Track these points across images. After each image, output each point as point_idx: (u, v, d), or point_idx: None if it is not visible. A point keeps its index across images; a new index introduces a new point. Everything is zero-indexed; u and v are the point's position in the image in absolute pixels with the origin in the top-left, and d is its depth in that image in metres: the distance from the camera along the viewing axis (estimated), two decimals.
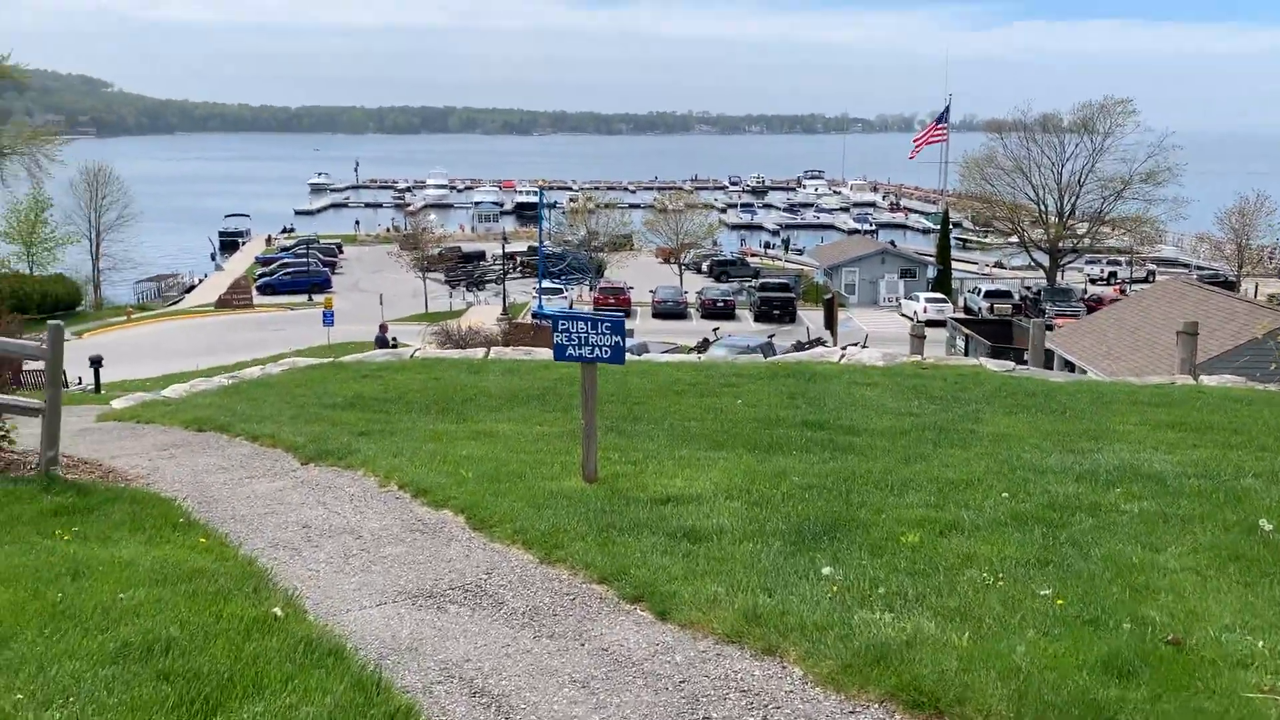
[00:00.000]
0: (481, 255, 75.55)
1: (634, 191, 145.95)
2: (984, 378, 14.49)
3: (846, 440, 9.57)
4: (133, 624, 4.42)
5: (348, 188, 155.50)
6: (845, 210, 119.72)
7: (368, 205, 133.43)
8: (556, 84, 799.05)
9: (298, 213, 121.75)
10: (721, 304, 55.26)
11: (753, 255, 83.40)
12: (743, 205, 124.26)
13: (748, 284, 62.22)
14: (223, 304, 61.23)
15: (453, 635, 4.96)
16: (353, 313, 54.62)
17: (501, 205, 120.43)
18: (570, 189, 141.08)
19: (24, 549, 5.54)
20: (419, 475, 7.92)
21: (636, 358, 17.23)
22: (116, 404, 13.58)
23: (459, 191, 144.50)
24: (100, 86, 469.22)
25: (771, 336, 36.93)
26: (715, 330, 42.62)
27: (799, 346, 37.35)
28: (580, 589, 5.51)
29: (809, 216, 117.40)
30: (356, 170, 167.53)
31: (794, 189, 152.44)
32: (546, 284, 57.71)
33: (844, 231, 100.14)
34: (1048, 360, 27.21)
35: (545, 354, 17.19)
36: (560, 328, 7.20)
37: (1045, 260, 59.96)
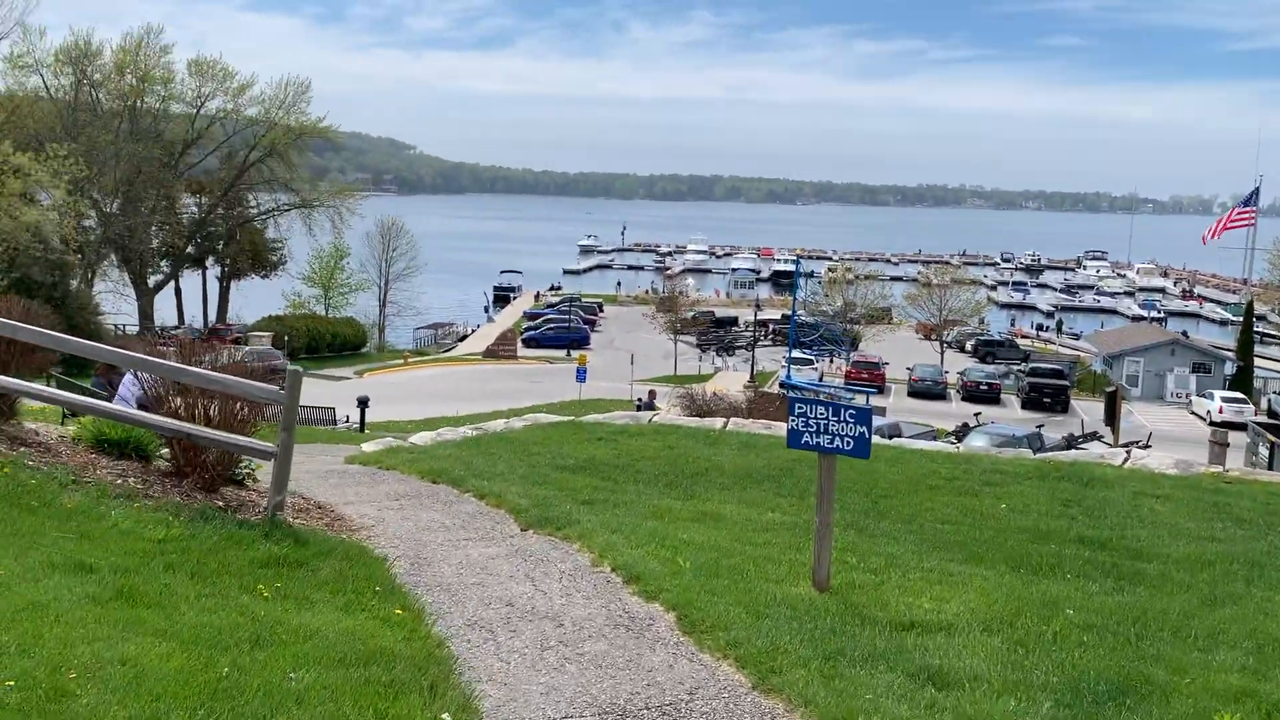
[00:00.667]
0: (734, 321, 75.66)
1: (897, 264, 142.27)
2: None
3: (1133, 567, 8.08)
4: (288, 715, 4.01)
5: (613, 250, 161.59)
6: (1130, 295, 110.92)
7: (630, 267, 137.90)
8: (823, 155, 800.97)
9: (566, 272, 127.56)
10: (985, 387, 51.92)
11: (1023, 337, 78.52)
12: (1015, 283, 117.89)
13: (1016, 367, 58.34)
14: (489, 354, 64.55)
15: None
16: (605, 370, 55.97)
17: (758, 272, 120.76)
18: (829, 258, 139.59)
19: (220, 604, 5.35)
20: (634, 558, 7.30)
21: (885, 441, 16.00)
22: (366, 447, 14.01)
23: (718, 257, 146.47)
24: (404, 149, 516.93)
25: (1040, 427, 34.07)
26: (977, 415, 39.93)
27: (1071, 440, 34.18)
28: None
29: (1088, 299, 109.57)
30: (623, 234, 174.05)
31: (1072, 269, 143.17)
32: (796, 354, 56.66)
33: (1128, 318, 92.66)
34: None
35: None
36: (797, 411, 6.41)
37: None
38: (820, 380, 54.41)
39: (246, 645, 4.73)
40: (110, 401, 9.88)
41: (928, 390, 51.72)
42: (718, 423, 16.96)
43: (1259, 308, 67.82)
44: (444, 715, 4.29)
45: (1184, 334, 69.24)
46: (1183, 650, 5.78)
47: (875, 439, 16.72)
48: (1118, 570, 7.90)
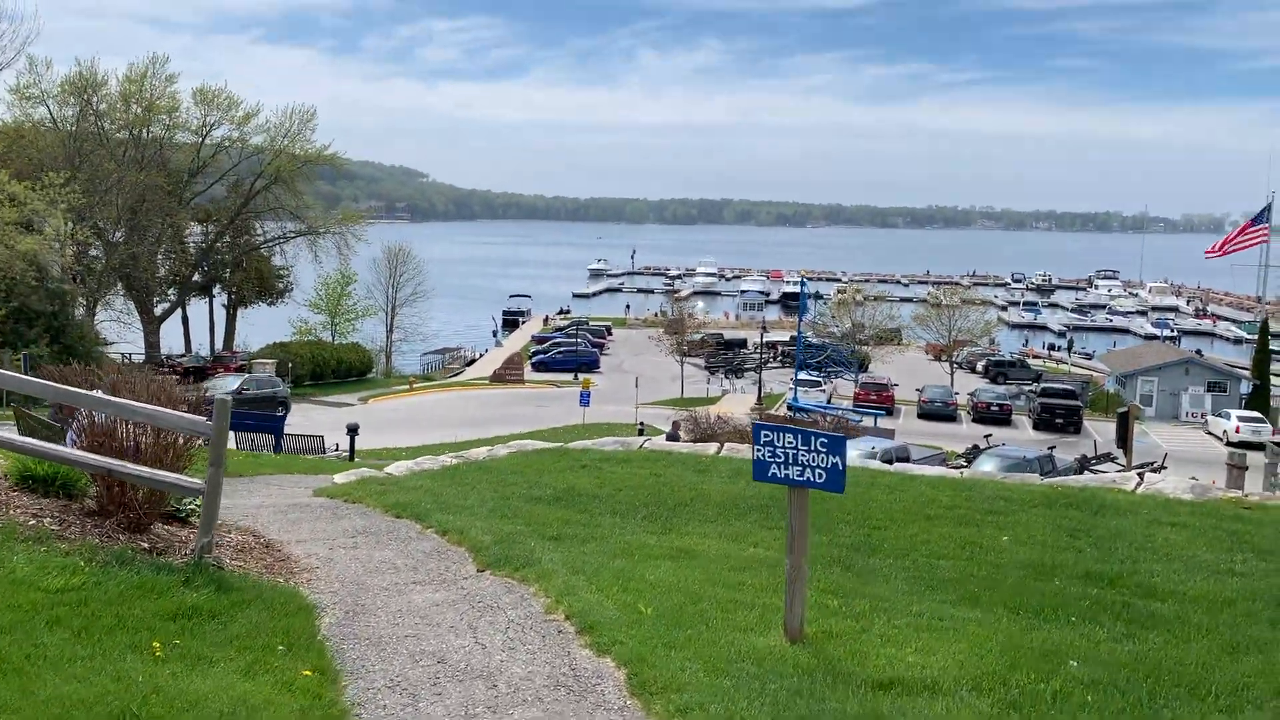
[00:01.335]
0: (743, 343, 75.05)
1: (906, 285, 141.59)
2: None
3: (1146, 607, 7.35)
4: None
5: (623, 273, 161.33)
6: (1143, 314, 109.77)
7: (640, 290, 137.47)
8: (832, 178, 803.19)
9: (575, 295, 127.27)
10: (996, 408, 50.98)
11: (1035, 357, 77.54)
12: (1026, 303, 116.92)
13: (1027, 388, 57.39)
14: (497, 378, 64.04)
15: None
16: (612, 393, 55.32)
17: (767, 294, 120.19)
18: (839, 280, 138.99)
19: (97, 669, 4.70)
20: (592, 604, 6.62)
21: (886, 468, 15.29)
22: (338, 478, 13.38)
23: (727, 280, 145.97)
24: (417, 176, 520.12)
25: (1052, 448, 33.15)
26: (987, 437, 39.05)
27: (1084, 462, 33.29)
28: None
29: (1100, 319, 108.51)
30: (633, 257, 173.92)
31: (1084, 289, 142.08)
32: (803, 376, 55.91)
33: (1140, 337, 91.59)
34: None
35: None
36: (763, 439, 5.74)
37: None
38: (829, 402, 53.68)
39: None
40: (66, 434, 9.29)
41: (937, 412, 50.84)
42: (711, 448, 16.28)
43: (1274, 325, 66.74)
44: None
45: (1198, 352, 68.14)
46: (1202, 713, 5.06)
47: (875, 465, 16.06)
48: (1128, 611, 7.17)
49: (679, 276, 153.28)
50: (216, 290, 65.33)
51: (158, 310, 60.75)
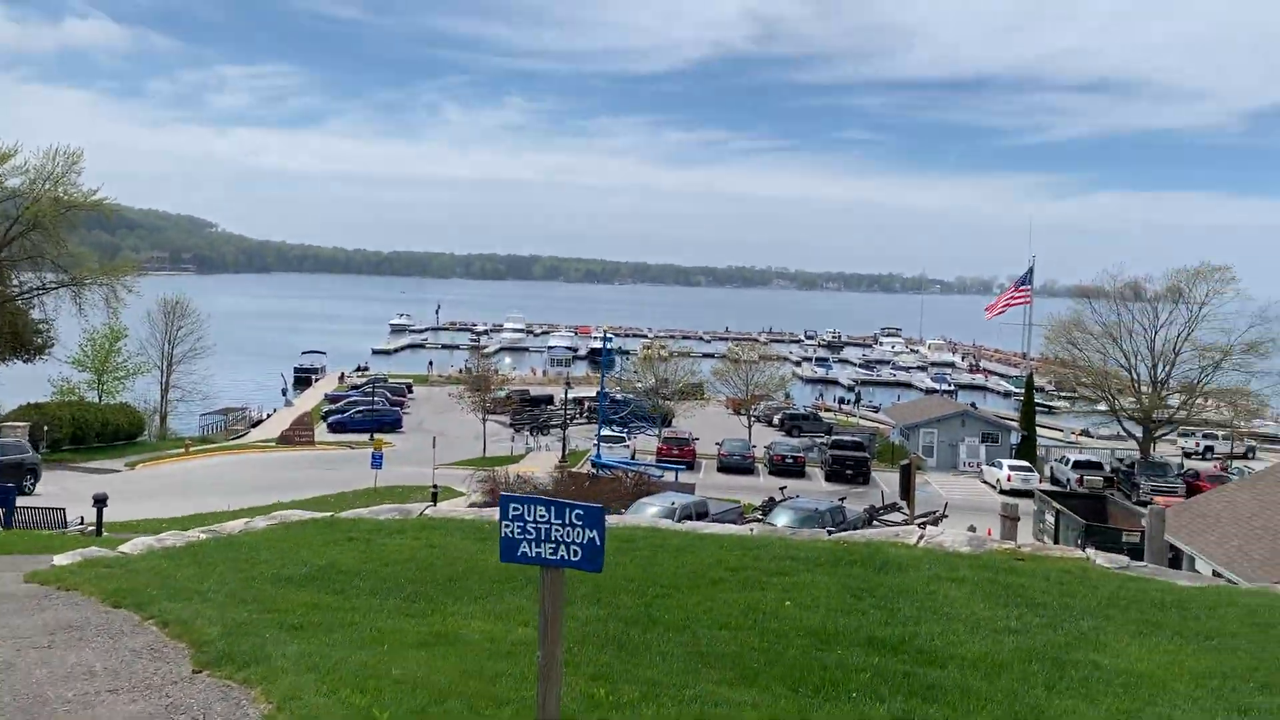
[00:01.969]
0: (549, 399, 74.33)
1: (708, 341, 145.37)
2: (1094, 577, 11.79)
3: (927, 676, 7.05)
4: None
5: (427, 329, 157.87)
6: (923, 369, 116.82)
7: (445, 346, 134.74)
8: (638, 237, 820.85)
9: (375, 352, 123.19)
10: (791, 460, 52.32)
11: (826, 410, 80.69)
12: (818, 359, 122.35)
13: (820, 440, 59.36)
14: (284, 440, 60.52)
15: None
16: (411, 454, 53.22)
17: (575, 350, 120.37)
18: (644, 336, 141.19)
19: None
20: (318, 710, 5.65)
21: (677, 527, 14.85)
22: (59, 560, 11.63)
23: (535, 336, 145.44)
24: (205, 226, 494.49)
25: (843, 499, 34.09)
26: (783, 489, 39.85)
27: (872, 512, 34.38)
28: None
29: (885, 374, 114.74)
30: (438, 312, 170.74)
31: (870, 345, 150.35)
32: (607, 432, 55.71)
33: (921, 390, 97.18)
34: (1173, 559, 23.61)
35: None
36: (511, 513, 5.03)
37: (1136, 430, 56.14)
38: (632, 458, 53.59)
39: None
40: None
41: (736, 465, 51.67)
42: (496, 513, 15.40)
43: (1038, 380, 72.20)
44: None
45: (973, 405, 72.73)
46: None
47: (666, 525, 15.60)
48: (909, 682, 6.84)
49: (486, 332, 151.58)
50: None
51: None
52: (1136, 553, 24.31)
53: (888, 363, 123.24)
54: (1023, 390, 66.65)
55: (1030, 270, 72.46)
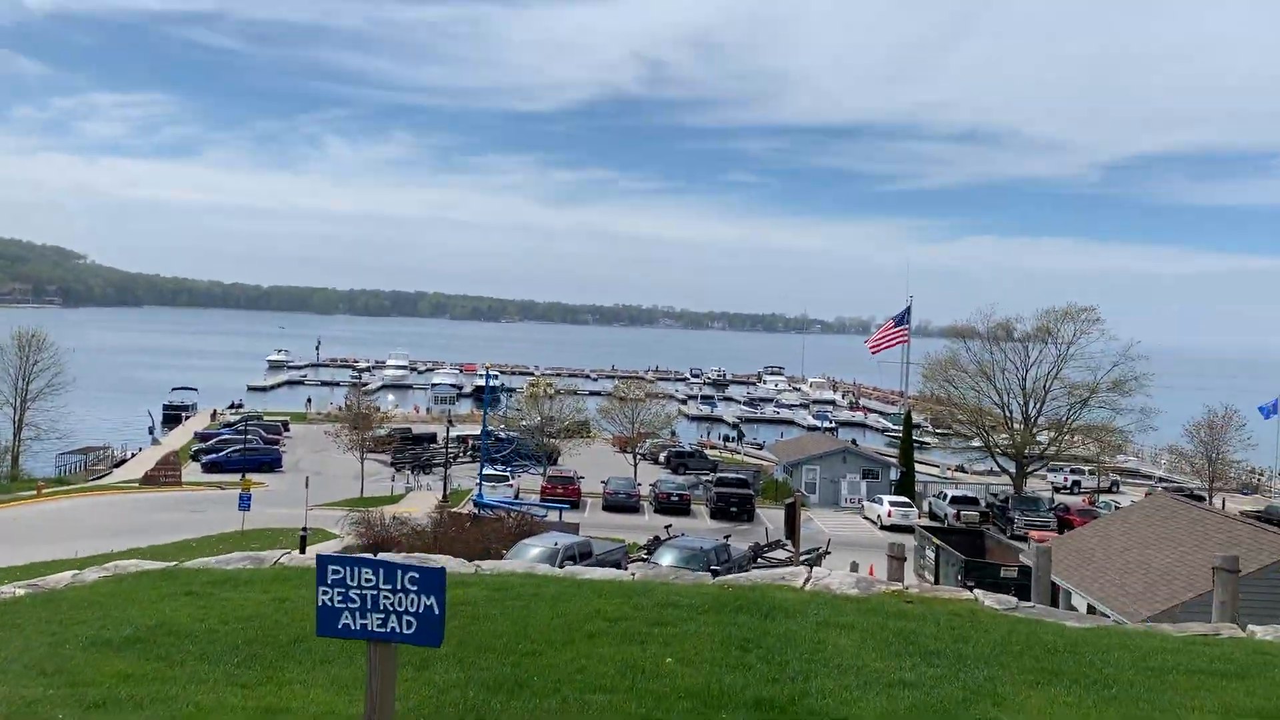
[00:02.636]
0: (433, 438, 72.26)
1: (595, 379, 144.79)
2: (985, 620, 11.44)
3: None
4: None
5: (307, 365, 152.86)
6: (805, 407, 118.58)
7: (325, 384, 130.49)
8: (526, 274, 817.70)
9: (251, 389, 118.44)
10: (676, 498, 51.89)
11: (712, 448, 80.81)
12: (703, 397, 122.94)
13: (705, 478, 59.17)
14: (149, 480, 57.17)
15: None
16: (287, 494, 50.78)
17: (460, 388, 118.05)
18: (531, 373, 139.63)
19: None
20: None
21: (556, 573, 13.98)
22: None
23: (419, 373, 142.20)
24: (73, 258, 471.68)
25: (728, 537, 33.70)
26: (668, 528, 39.24)
27: (757, 550, 34.04)
28: None
29: (769, 411, 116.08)
30: (318, 349, 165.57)
31: (754, 383, 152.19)
32: (490, 470, 54.35)
33: (804, 428, 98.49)
34: (1052, 596, 23.82)
35: (449, 561, 13.98)
36: (331, 577, 4.18)
37: (1009, 466, 57.76)
38: (516, 497, 52.29)
39: None
40: None
41: (621, 503, 50.95)
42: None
43: (915, 417, 73.88)
44: None
45: (853, 442, 73.84)
46: None
47: (543, 570, 14.70)
48: None
49: (368, 369, 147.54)
50: None
51: None
52: (1017, 588, 24.54)
53: (771, 400, 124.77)
54: (901, 427, 67.99)
55: (908, 309, 74.29)
